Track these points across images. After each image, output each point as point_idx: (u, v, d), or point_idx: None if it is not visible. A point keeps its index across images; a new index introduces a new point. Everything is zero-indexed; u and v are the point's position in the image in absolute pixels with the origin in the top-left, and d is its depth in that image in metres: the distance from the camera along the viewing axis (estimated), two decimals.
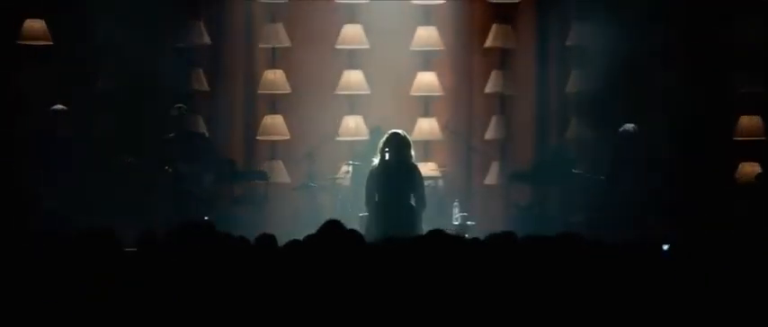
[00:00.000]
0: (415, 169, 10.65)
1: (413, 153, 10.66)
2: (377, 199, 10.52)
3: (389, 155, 10.53)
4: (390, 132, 10.69)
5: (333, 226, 5.99)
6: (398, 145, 10.55)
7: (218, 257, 5.89)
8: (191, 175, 11.85)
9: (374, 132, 12.22)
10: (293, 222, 12.13)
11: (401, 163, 10.53)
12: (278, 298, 5.69)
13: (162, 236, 6.16)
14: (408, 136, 10.76)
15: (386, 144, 10.56)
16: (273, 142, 13.53)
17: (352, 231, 6.22)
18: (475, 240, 6.62)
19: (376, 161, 10.65)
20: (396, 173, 10.51)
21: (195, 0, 13.48)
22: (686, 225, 11.80)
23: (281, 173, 13.36)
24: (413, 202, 10.49)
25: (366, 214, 10.67)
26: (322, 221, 6.20)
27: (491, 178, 13.54)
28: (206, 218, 10.94)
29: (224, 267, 5.85)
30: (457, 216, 11.61)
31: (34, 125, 12.33)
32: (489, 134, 13.62)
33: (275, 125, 13.46)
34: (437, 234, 6.07)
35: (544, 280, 6.00)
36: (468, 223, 11.63)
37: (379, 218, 10.40)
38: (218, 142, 13.01)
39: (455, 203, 11.81)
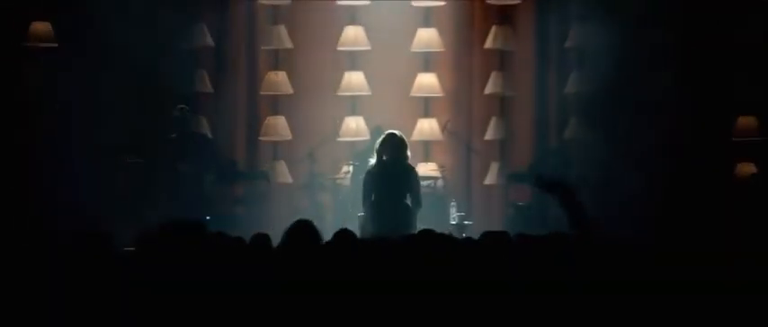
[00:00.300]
0: (411, 169, 10.67)
1: (409, 153, 10.69)
2: (373, 199, 10.57)
3: (386, 156, 10.57)
4: (387, 133, 10.72)
5: (302, 226, 6.06)
6: (395, 145, 10.57)
7: (210, 256, 5.96)
8: (192, 175, 11.92)
9: (375, 132, 12.28)
10: None
11: (398, 163, 10.56)
12: (267, 296, 5.76)
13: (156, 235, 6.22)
14: (405, 137, 10.78)
15: (382, 144, 10.59)
16: (275, 142, 13.61)
17: (346, 230, 6.29)
18: (467, 239, 6.68)
19: (372, 161, 10.71)
20: (392, 173, 10.52)
21: (198, 2, 13.56)
22: (683, 225, 11.83)
23: (282, 174, 13.44)
24: (409, 202, 10.54)
25: (363, 213, 10.72)
26: (322, 221, 6.28)
27: (490, 178, 13.57)
28: (207, 218, 11.02)
29: (216, 265, 5.92)
30: (454, 216, 11.61)
31: (39, 126, 12.41)
32: (489, 135, 13.63)
33: (277, 125, 13.53)
34: (426, 233, 6.14)
35: (536, 279, 6.06)
36: (466, 223, 11.58)
37: (375, 217, 10.43)
38: (221, 142, 13.08)
39: (452, 203, 11.82)
